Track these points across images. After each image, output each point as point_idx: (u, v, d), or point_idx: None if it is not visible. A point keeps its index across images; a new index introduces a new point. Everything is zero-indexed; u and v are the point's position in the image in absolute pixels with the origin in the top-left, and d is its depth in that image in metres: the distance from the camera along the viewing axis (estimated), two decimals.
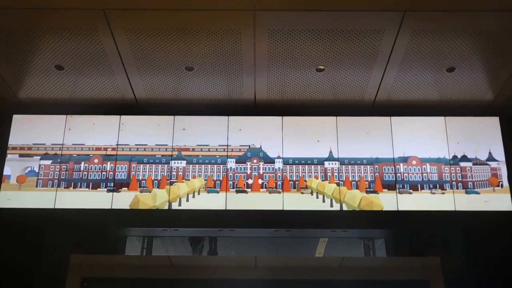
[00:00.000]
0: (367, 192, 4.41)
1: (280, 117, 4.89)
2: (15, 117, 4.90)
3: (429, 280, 5.08)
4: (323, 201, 4.39)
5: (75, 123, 4.85)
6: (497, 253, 4.54)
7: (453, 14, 3.75)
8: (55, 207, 4.58)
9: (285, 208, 4.59)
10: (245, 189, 4.40)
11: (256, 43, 4.06)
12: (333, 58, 4.25)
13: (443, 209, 4.58)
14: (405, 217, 4.59)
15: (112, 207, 4.57)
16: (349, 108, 4.90)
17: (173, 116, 4.88)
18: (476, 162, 4.62)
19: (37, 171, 4.57)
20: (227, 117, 4.89)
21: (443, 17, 3.77)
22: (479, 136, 4.83)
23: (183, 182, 4.38)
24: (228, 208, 4.56)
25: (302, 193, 4.33)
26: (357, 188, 4.42)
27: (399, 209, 4.58)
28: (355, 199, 4.23)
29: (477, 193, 4.55)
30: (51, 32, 3.95)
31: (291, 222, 4.62)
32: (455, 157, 4.64)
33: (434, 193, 4.54)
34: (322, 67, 4.38)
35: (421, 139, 4.81)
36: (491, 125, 4.87)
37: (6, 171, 4.69)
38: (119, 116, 4.89)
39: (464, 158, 4.62)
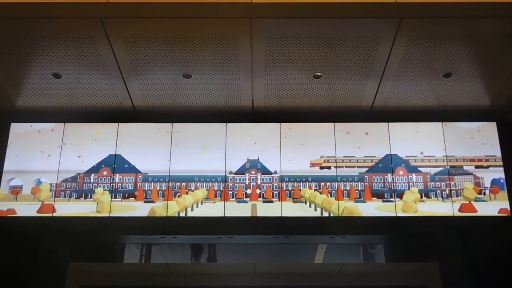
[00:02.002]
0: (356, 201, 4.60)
1: (278, 124, 4.90)
2: (13, 125, 4.90)
3: (428, 285, 5.06)
4: (315, 209, 4.54)
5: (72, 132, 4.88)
6: (496, 258, 4.54)
7: (449, 21, 3.78)
8: (53, 215, 4.58)
9: (283, 215, 4.59)
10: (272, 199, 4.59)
11: (253, 50, 4.08)
12: (330, 65, 4.26)
13: (441, 214, 4.59)
14: (403, 222, 4.60)
15: (111, 215, 4.59)
16: (347, 114, 4.91)
17: (171, 124, 4.88)
18: (461, 172, 4.68)
19: (47, 181, 4.64)
20: (225, 124, 4.89)
21: (439, 23, 3.79)
22: (476, 141, 4.84)
23: (187, 193, 4.53)
24: (226, 215, 4.58)
25: (294, 202, 4.52)
26: (348, 196, 4.57)
27: (397, 214, 4.60)
28: (339, 209, 4.48)
29: (485, 201, 4.60)
30: (49, 40, 3.96)
31: (290, 228, 4.62)
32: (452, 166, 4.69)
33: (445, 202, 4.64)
34: (319, 74, 4.39)
35: (418, 144, 4.83)
36: (489, 130, 4.89)
37: (17, 182, 4.70)
38: (117, 123, 4.89)
39: (457, 168, 4.70)
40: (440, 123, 4.89)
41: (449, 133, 4.85)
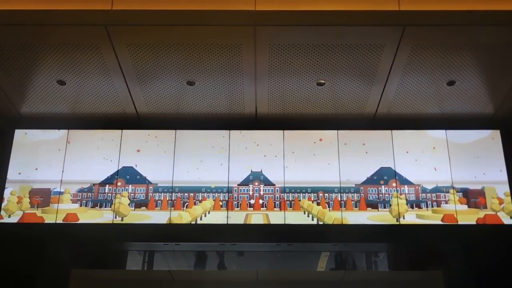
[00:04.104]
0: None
1: (281, 131, 4.90)
2: (17, 131, 4.91)
3: None
4: (312, 219, 4.61)
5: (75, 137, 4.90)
6: (499, 267, 4.52)
7: (453, 29, 3.78)
8: (56, 222, 4.59)
9: (286, 222, 4.59)
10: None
11: (257, 57, 4.09)
12: (333, 72, 4.27)
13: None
14: (407, 230, 4.58)
15: (114, 222, 4.59)
16: (350, 122, 4.91)
17: (174, 130, 4.89)
18: (452, 185, 4.72)
19: (62, 191, 4.70)
20: (228, 131, 4.90)
21: (442, 31, 3.80)
22: (480, 149, 4.83)
23: (195, 203, 4.65)
24: (229, 222, 4.59)
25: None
26: (344, 207, 4.64)
27: (401, 222, 4.58)
28: (331, 219, 4.59)
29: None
30: (54, 47, 3.98)
31: (293, 236, 4.61)
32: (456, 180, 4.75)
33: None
34: (323, 81, 4.39)
35: (421, 153, 4.83)
36: (492, 138, 4.88)
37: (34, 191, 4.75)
38: (120, 130, 4.90)
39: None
40: (444, 130, 4.89)
41: (452, 141, 4.86)
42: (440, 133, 4.89)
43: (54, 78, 4.35)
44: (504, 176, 4.74)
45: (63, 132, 4.90)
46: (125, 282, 5.68)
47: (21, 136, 4.89)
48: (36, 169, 4.77)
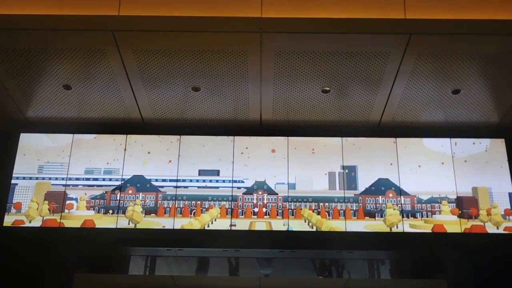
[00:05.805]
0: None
1: (286, 138, 4.90)
2: (23, 135, 4.93)
3: None
4: (312, 227, 4.64)
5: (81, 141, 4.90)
6: (503, 277, 4.50)
7: (459, 37, 3.79)
8: (59, 226, 4.59)
9: (290, 229, 4.59)
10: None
11: (263, 64, 4.10)
12: (339, 79, 4.28)
13: (449, 231, 4.56)
14: (410, 238, 4.57)
15: (117, 226, 4.59)
16: (355, 130, 4.91)
17: (179, 136, 4.90)
18: (446, 196, 4.72)
19: (75, 197, 4.74)
20: (232, 137, 4.90)
21: (448, 40, 3.80)
22: (484, 158, 4.82)
23: (202, 211, 4.71)
24: (233, 228, 4.58)
25: (284, 225, 4.64)
26: (344, 216, 4.65)
27: (405, 230, 4.57)
28: (328, 228, 4.63)
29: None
30: (61, 52, 4.00)
31: (296, 242, 4.60)
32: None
33: None
34: (328, 89, 4.40)
35: (423, 162, 4.83)
36: (497, 147, 4.87)
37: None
38: (125, 135, 4.91)
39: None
40: (448, 139, 4.88)
41: (456, 149, 4.85)
42: (444, 142, 4.88)
43: (60, 83, 4.37)
44: (508, 186, 4.73)
45: (68, 137, 4.91)
46: (128, 286, 5.68)
47: (26, 140, 4.90)
48: (41, 173, 4.79)
